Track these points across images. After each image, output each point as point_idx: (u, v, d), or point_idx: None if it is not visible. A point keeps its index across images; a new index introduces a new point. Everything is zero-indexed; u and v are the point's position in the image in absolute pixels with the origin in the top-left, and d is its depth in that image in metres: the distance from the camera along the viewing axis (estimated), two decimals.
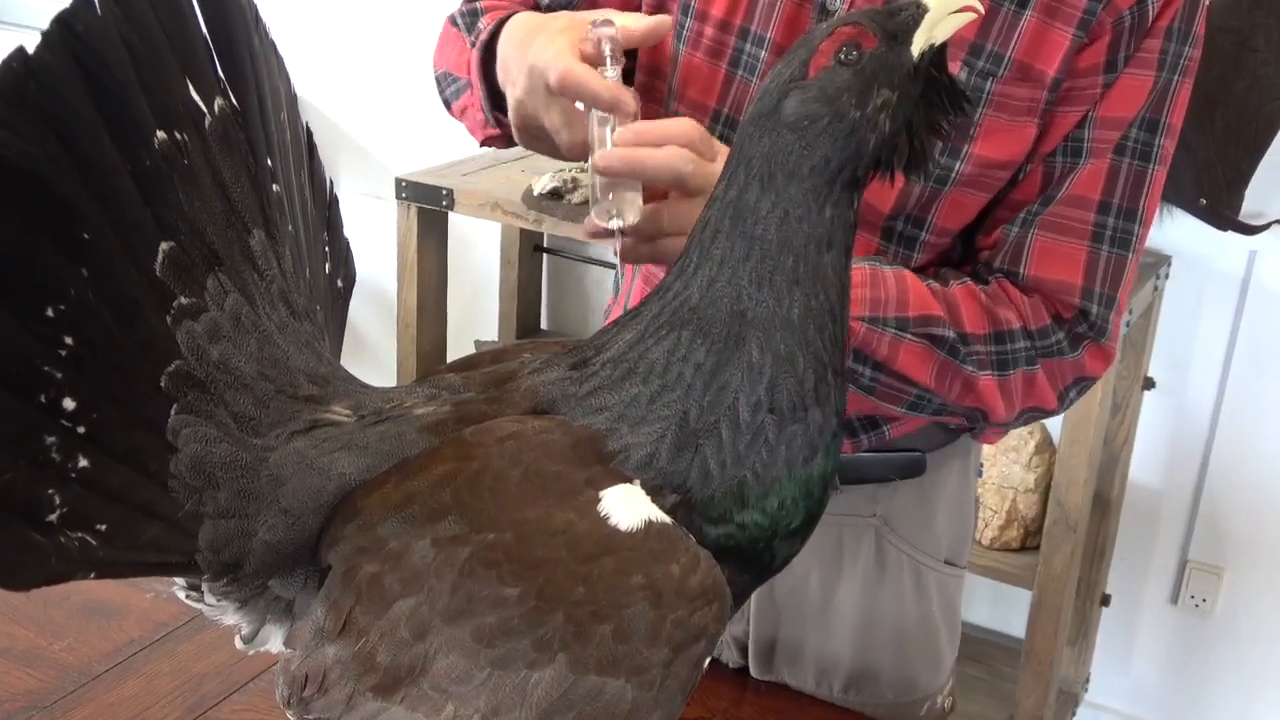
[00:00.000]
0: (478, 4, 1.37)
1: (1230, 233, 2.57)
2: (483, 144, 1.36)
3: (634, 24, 1.16)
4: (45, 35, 0.83)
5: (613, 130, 1.11)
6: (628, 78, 1.22)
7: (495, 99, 1.27)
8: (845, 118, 0.90)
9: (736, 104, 1.28)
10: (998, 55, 1.20)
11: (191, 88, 0.92)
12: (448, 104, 1.39)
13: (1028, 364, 1.25)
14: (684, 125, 1.11)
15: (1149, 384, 2.76)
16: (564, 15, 1.20)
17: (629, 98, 1.10)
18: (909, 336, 1.20)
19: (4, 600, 1.49)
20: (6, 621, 1.46)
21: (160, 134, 0.89)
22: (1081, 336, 1.26)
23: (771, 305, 0.91)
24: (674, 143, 1.09)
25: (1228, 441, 2.82)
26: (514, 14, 1.25)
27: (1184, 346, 2.80)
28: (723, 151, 1.11)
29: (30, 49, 0.82)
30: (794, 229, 0.90)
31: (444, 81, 1.39)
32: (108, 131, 0.86)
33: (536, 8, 1.36)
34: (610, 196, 1.10)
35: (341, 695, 0.92)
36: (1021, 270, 1.25)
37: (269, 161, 0.99)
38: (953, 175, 1.23)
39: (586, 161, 1.13)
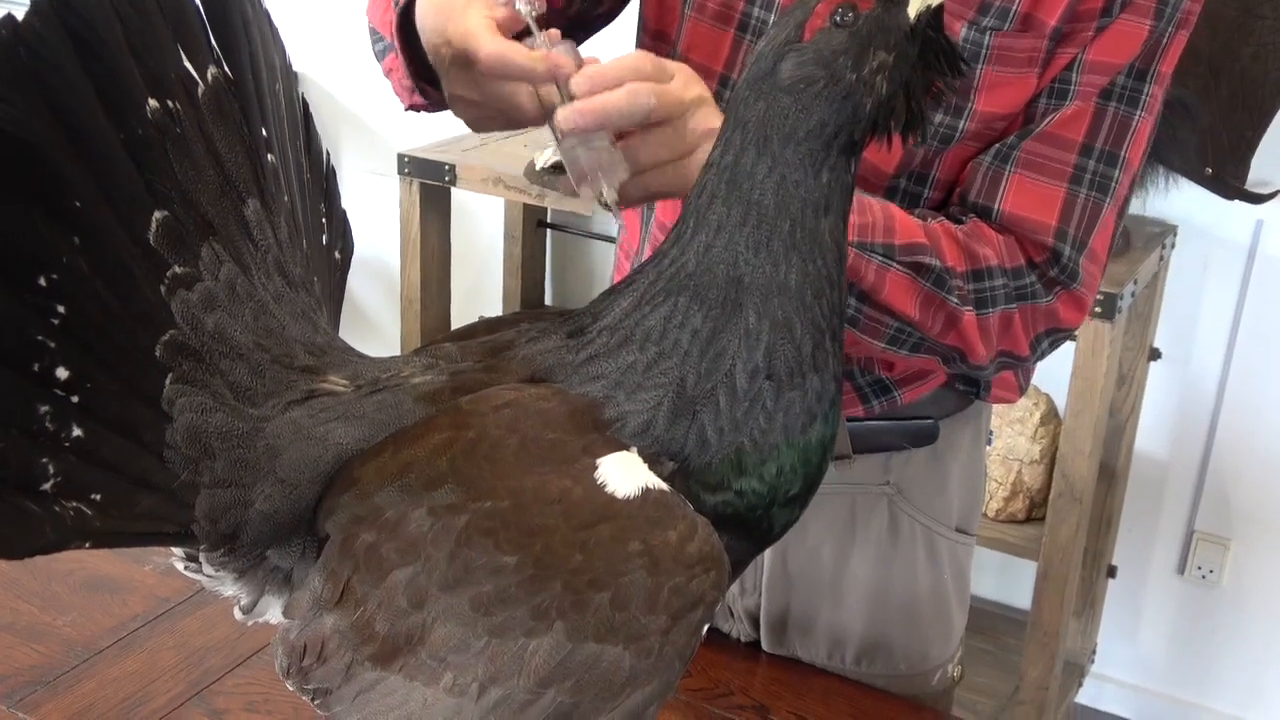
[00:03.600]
0: None
1: (1236, 202, 2.56)
2: (408, 109, 1.27)
3: None
4: (35, 3, 0.83)
5: (561, 91, 1.03)
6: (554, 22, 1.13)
7: (418, 66, 1.18)
8: (841, 80, 0.89)
9: (744, 68, 1.27)
10: (1003, 10, 1.19)
11: (184, 56, 0.92)
12: (377, 59, 1.30)
13: (1006, 303, 1.23)
14: (633, 59, 1.05)
15: (1155, 354, 2.75)
16: None
17: (563, 59, 1.03)
18: (895, 265, 1.17)
19: (7, 576, 1.50)
20: (10, 597, 1.47)
21: (152, 102, 0.88)
22: (1054, 281, 1.24)
23: (769, 271, 0.90)
24: (628, 79, 1.03)
25: (1234, 412, 2.82)
26: None
27: (1190, 317, 2.79)
28: (677, 68, 1.07)
29: (20, 17, 0.82)
30: (791, 194, 0.90)
31: (373, 36, 1.30)
32: (99, 100, 0.85)
33: None
34: (584, 159, 1.05)
35: (340, 665, 0.91)
36: (996, 205, 1.23)
37: (264, 131, 0.99)
38: (957, 134, 1.22)
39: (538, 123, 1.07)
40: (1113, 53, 1.21)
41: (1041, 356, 1.31)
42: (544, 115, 1.06)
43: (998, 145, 1.24)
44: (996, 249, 1.22)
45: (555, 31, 1.07)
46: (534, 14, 1.06)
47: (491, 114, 1.11)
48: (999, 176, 1.23)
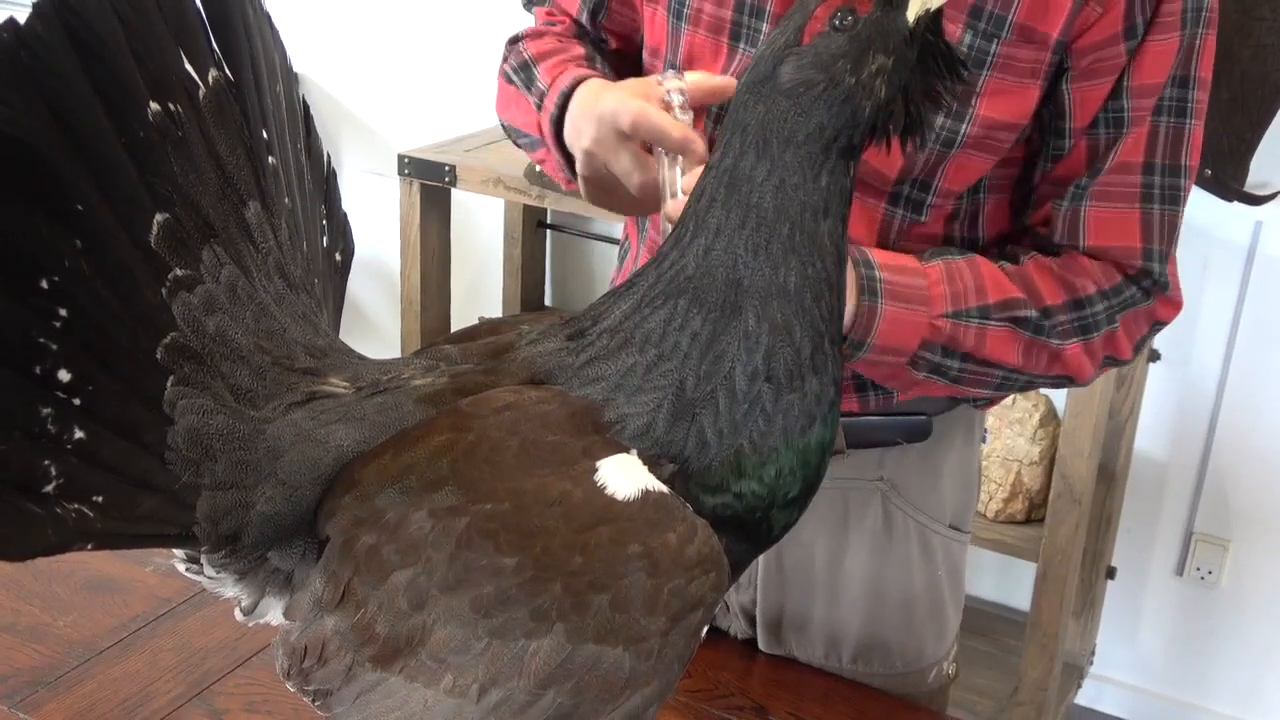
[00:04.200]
0: (525, 53, 1.39)
1: (1236, 203, 2.56)
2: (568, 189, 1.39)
3: (705, 79, 1.18)
4: (36, 6, 0.83)
5: (683, 174, 1.11)
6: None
7: (570, 160, 1.29)
8: (840, 84, 0.89)
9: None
10: (999, 18, 1.19)
11: (185, 58, 0.92)
12: (524, 150, 1.43)
13: (1109, 324, 1.28)
14: None
15: (1154, 356, 2.75)
16: (631, 81, 1.22)
17: (699, 140, 1.11)
18: (993, 323, 1.23)
19: (9, 577, 1.50)
20: (12, 598, 1.47)
21: (154, 105, 0.89)
22: (1149, 289, 1.30)
23: (768, 274, 0.90)
24: None
25: (1233, 413, 2.82)
26: (582, 79, 1.26)
27: (1189, 318, 2.79)
28: None
29: (21, 20, 0.82)
30: (790, 197, 0.90)
31: (513, 133, 1.43)
32: (100, 102, 0.85)
33: (588, 59, 1.37)
34: None
35: (341, 666, 0.92)
36: (1081, 244, 1.28)
37: (264, 133, 0.99)
38: (959, 138, 1.23)
39: (658, 208, 1.14)
40: (1153, 72, 1.23)
41: (1141, 351, 1.36)
42: (653, 192, 1.14)
43: (1071, 187, 1.27)
44: (1093, 275, 1.27)
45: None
46: (681, 102, 1.15)
47: (619, 191, 1.19)
48: (1076, 215, 1.27)
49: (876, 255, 1.20)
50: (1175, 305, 1.33)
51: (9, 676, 1.35)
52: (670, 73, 1.18)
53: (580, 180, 1.23)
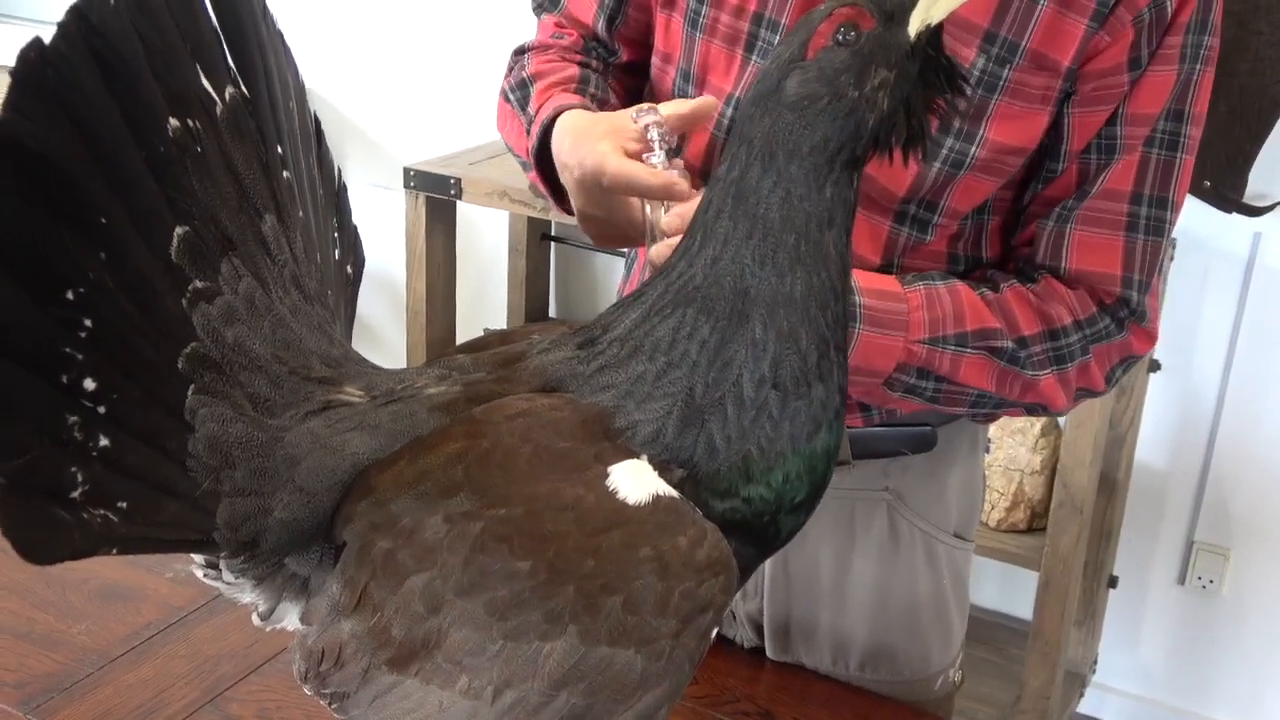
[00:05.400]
0: (525, 69, 1.41)
1: (1234, 215, 2.57)
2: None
3: (678, 108, 1.19)
4: (61, 26, 0.85)
5: (666, 212, 1.13)
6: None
7: (558, 189, 1.31)
8: (844, 97, 0.91)
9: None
10: (1012, 44, 1.22)
11: (203, 76, 0.94)
12: (522, 169, 1.45)
13: (1083, 354, 1.30)
14: None
15: (1154, 366, 2.77)
16: (605, 119, 1.23)
17: (680, 181, 1.12)
18: (969, 351, 1.25)
19: (24, 585, 1.52)
20: (27, 606, 1.49)
21: (173, 121, 0.91)
22: (1124, 320, 1.31)
23: (774, 283, 0.92)
24: None
25: (1233, 423, 2.83)
26: (562, 109, 1.28)
27: (1189, 328, 2.81)
28: None
29: (47, 40, 0.84)
30: (795, 208, 0.92)
31: (511, 151, 1.45)
32: (123, 119, 0.87)
33: (580, 81, 1.39)
34: None
35: (357, 669, 0.93)
36: (1063, 265, 1.30)
37: (279, 149, 1.01)
38: (968, 160, 1.25)
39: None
40: (1149, 103, 1.25)
41: (1115, 384, 1.37)
42: (649, 236, 1.16)
43: (1058, 208, 1.29)
44: (1069, 304, 1.29)
45: (679, 161, 1.17)
46: (661, 135, 1.16)
47: (614, 232, 1.21)
48: (1061, 237, 1.29)
49: (860, 279, 1.22)
50: (1150, 338, 1.34)
51: (25, 683, 1.37)
52: (645, 107, 1.18)
53: (585, 232, 1.26)
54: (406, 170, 2.89)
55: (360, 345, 1.11)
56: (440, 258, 2.97)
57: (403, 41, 3.41)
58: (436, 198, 2.88)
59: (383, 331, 3.55)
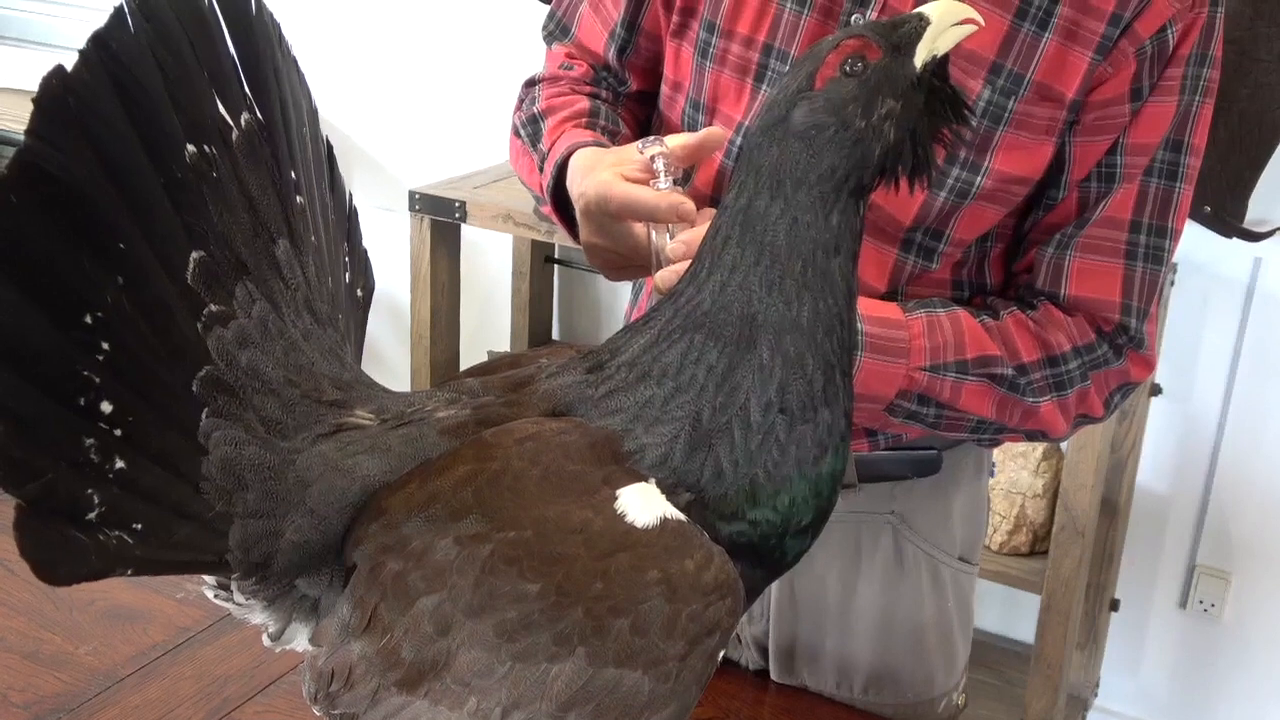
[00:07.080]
0: (536, 104, 1.43)
1: (1235, 240, 2.59)
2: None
3: (685, 140, 1.20)
4: (82, 54, 0.86)
5: (671, 238, 1.14)
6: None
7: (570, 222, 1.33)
8: (851, 127, 0.93)
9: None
10: (1018, 76, 1.23)
11: (220, 103, 0.95)
12: (537, 203, 1.48)
13: (1082, 381, 1.31)
14: None
15: (1156, 390, 2.78)
16: (613, 152, 1.25)
17: (686, 200, 1.13)
18: (970, 378, 1.26)
19: (32, 606, 1.53)
20: (35, 627, 1.50)
21: (190, 147, 0.92)
22: (1122, 347, 1.32)
23: (781, 309, 0.93)
24: None
25: (1234, 446, 2.84)
26: (575, 147, 1.30)
27: (1190, 353, 2.82)
28: None
29: (69, 67, 0.86)
30: (802, 235, 0.93)
31: (525, 185, 1.46)
32: (142, 145, 0.89)
33: (591, 115, 1.40)
34: None
35: (367, 690, 0.94)
36: (1062, 291, 1.31)
37: (292, 174, 1.02)
38: (973, 189, 1.27)
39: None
40: (1149, 133, 1.27)
41: (1114, 411, 1.38)
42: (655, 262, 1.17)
43: (1058, 235, 1.31)
44: (1068, 331, 1.30)
45: (685, 190, 1.18)
46: (666, 165, 1.17)
47: (620, 260, 1.23)
48: (1060, 264, 1.31)
49: (862, 305, 1.23)
50: (1149, 365, 1.35)
51: (32, 704, 1.38)
52: (650, 139, 1.20)
53: (594, 264, 1.28)
54: (411, 193, 2.91)
55: (365, 367, 1.12)
56: (445, 280, 2.98)
57: (408, 66, 3.44)
58: (441, 221, 2.89)
59: (387, 353, 3.56)
